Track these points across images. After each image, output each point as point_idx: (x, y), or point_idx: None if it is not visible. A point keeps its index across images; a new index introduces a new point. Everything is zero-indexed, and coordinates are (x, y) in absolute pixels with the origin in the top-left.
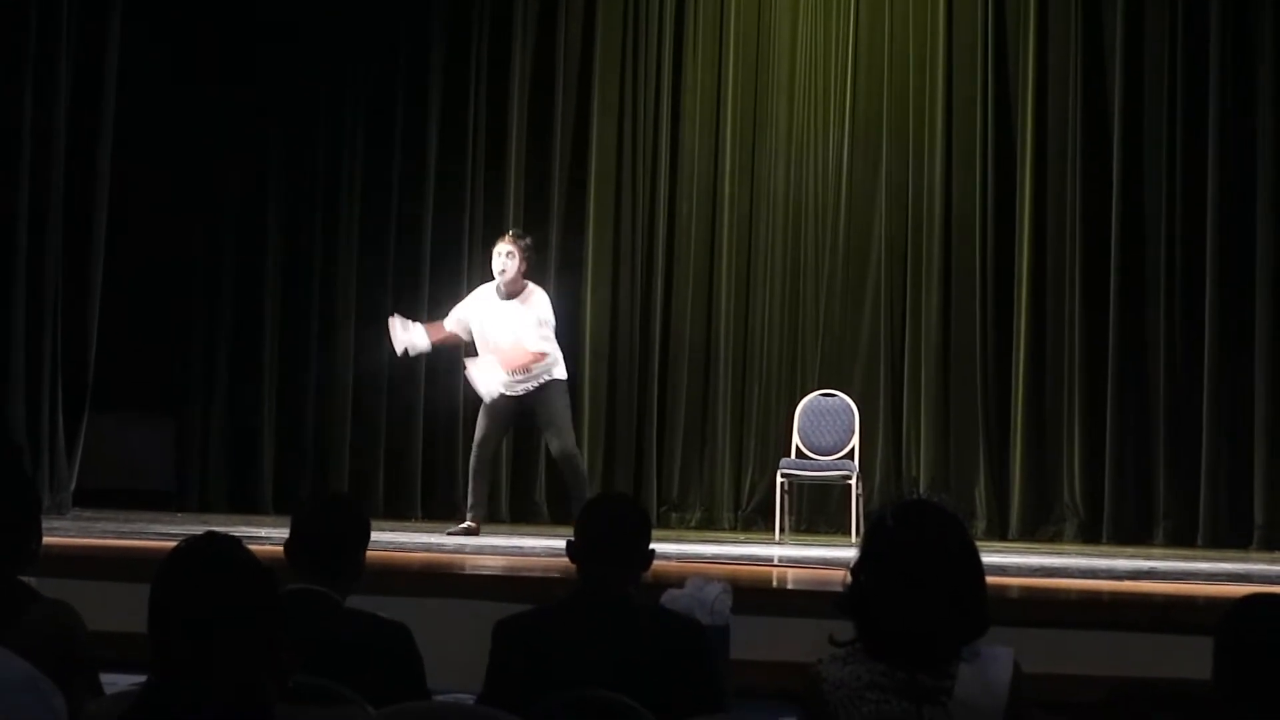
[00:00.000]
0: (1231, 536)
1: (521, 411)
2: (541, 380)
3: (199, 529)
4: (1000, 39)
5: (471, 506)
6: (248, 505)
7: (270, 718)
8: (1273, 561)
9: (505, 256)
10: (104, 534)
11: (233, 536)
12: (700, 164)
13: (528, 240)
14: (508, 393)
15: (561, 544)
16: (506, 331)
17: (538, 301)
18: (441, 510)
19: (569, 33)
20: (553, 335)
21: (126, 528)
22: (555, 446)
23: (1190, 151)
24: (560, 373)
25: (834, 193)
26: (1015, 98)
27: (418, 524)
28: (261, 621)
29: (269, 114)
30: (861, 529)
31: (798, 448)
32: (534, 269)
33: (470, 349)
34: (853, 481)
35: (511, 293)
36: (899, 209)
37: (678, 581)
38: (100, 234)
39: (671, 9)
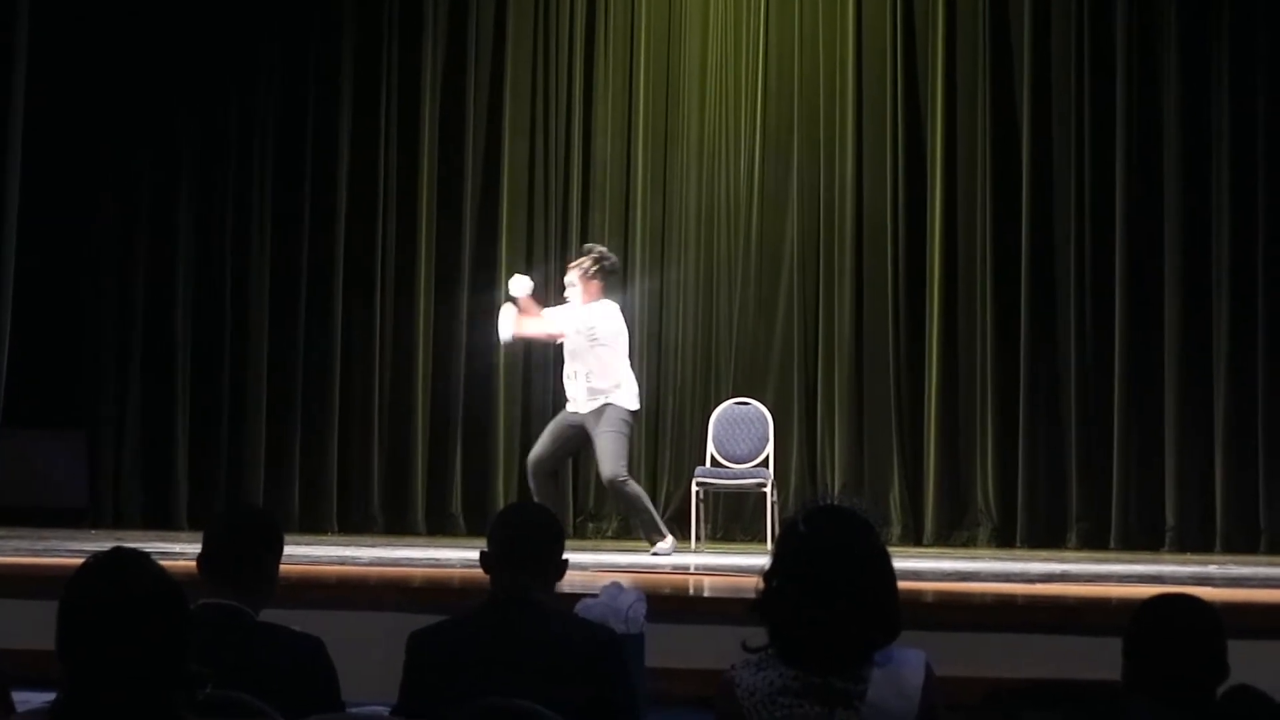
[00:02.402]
0: (1144, 539)
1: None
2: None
3: (112, 545)
4: (909, 43)
5: (660, 529)
6: (162, 521)
7: None
8: (1184, 563)
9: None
10: (16, 552)
11: (140, 551)
12: (612, 173)
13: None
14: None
15: (477, 555)
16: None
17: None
18: (357, 523)
19: (479, 42)
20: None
21: (39, 545)
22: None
23: (1098, 156)
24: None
25: (745, 201)
26: (925, 103)
27: (333, 537)
28: (170, 635)
29: (180, 126)
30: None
31: (712, 456)
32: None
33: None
34: (767, 489)
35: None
36: (810, 217)
37: (593, 591)
38: (11, 249)
39: (582, 20)
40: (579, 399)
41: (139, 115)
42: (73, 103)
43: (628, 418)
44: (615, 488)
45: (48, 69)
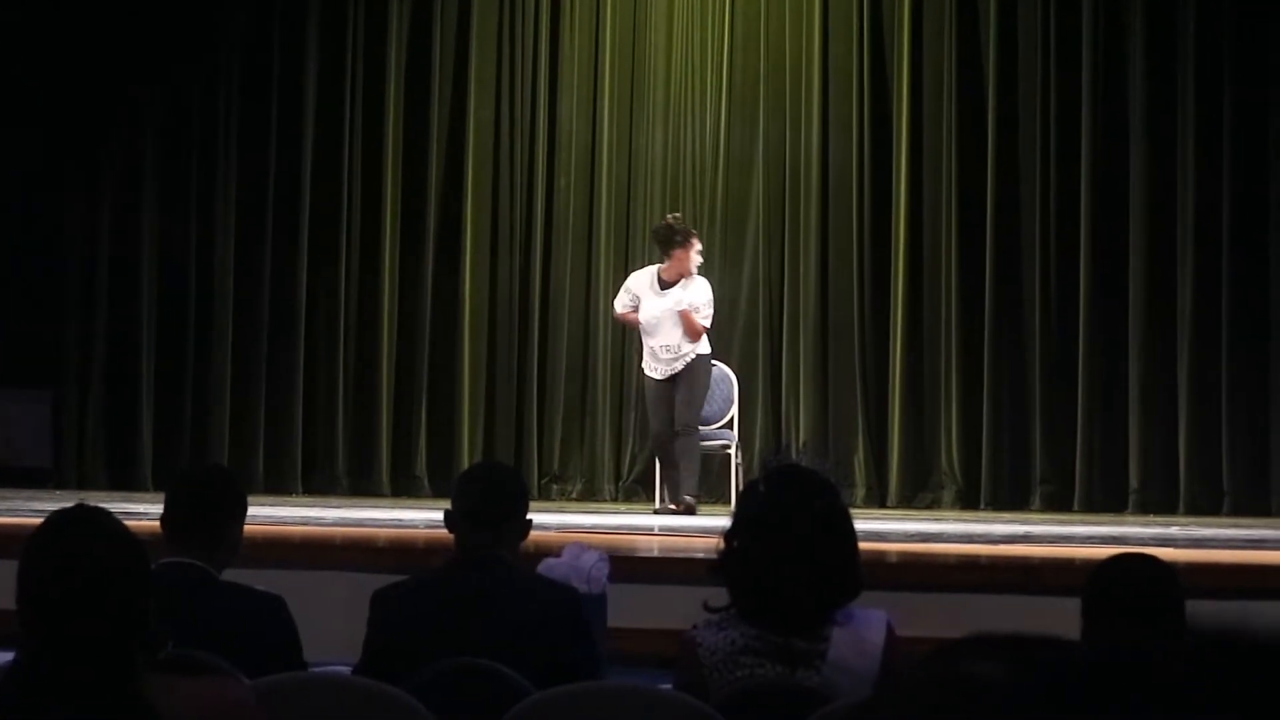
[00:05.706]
0: (1107, 501)
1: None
2: (688, 358)
3: (75, 503)
4: (875, 5)
5: (684, 492)
6: (127, 482)
7: (138, 690)
8: (1147, 524)
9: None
10: None
11: (101, 508)
12: (578, 134)
13: None
14: (659, 378)
15: (441, 516)
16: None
17: (699, 287)
18: (321, 485)
19: (445, 1)
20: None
21: (1, 505)
22: (675, 418)
23: (1064, 122)
24: (704, 348)
25: (711, 162)
26: (890, 64)
27: (298, 499)
28: (130, 592)
29: (144, 82)
30: None
31: None
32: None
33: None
34: (732, 451)
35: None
36: (776, 178)
37: (556, 551)
38: None
39: None
40: (670, 365)
41: (102, 78)
42: (37, 66)
43: (709, 365)
44: (687, 434)
45: (12, 33)
